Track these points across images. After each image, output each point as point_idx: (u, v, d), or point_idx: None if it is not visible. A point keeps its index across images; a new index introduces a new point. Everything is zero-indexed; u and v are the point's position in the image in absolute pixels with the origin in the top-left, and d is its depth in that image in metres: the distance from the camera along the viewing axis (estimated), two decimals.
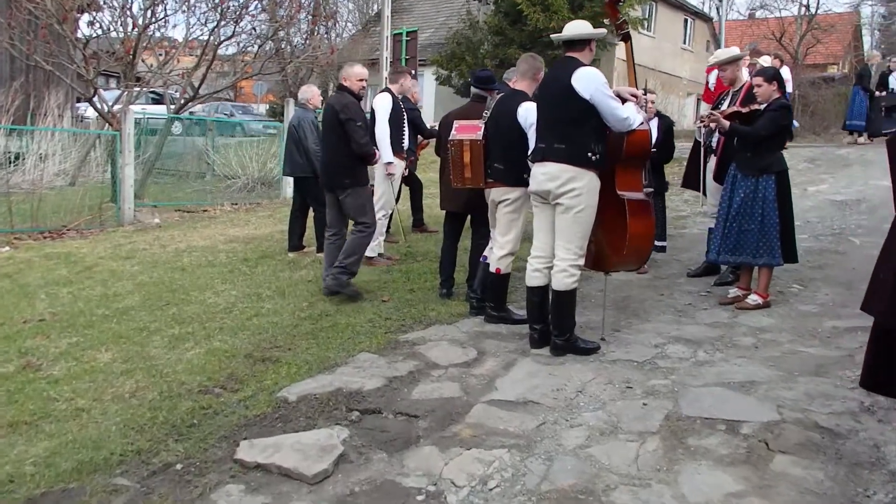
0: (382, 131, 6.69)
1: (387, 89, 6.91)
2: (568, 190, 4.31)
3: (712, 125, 5.59)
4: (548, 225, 4.54)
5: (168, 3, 12.10)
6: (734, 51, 6.17)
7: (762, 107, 5.38)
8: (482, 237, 5.72)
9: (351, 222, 6.00)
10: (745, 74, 6.15)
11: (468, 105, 5.75)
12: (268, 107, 31.14)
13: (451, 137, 5.03)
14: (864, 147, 13.14)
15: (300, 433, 3.55)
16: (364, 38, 27.78)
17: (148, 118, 14.49)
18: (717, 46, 26.74)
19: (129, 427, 3.67)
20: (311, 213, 7.67)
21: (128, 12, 11.45)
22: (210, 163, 14.41)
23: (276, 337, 4.96)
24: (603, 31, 4.50)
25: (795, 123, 5.73)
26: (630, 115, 4.35)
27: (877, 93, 13.33)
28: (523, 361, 4.45)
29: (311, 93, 7.61)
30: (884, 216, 8.24)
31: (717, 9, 25.86)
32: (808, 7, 30.61)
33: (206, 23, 12.17)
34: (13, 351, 4.78)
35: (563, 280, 4.40)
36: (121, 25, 11.82)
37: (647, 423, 3.59)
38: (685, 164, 6.80)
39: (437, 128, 7.84)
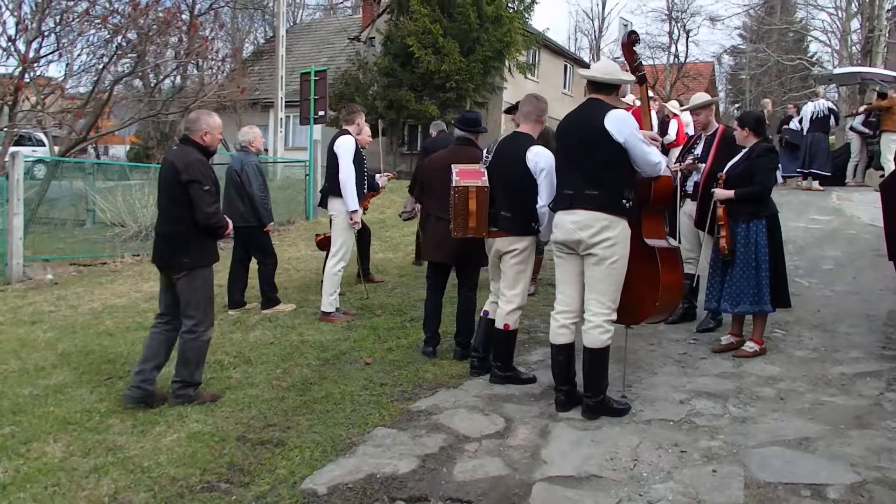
0: (347, 175, 6.12)
1: (345, 131, 6.38)
2: (602, 239, 4.00)
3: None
4: (574, 277, 4.21)
5: (53, 37, 10.80)
6: (706, 96, 6.19)
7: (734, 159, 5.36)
8: (470, 290, 5.33)
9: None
10: (714, 120, 6.19)
11: (454, 148, 5.37)
12: (128, 148, 28.96)
13: (455, 184, 4.61)
14: None
15: None
16: (242, 77, 26.80)
17: None
18: None
19: None
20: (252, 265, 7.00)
21: (12, 48, 10.25)
22: (91, 209, 13.17)
23: (264, 414, 4.29)
24: (632, 77, 4.29)
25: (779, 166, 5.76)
26: (660, 160, 4.13)
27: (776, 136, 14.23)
28: (558, 428, 4.05)
29: (252, 134, 6.94)
30: (814, 256, 8.58)
31: (593, 56, 27.04)
32: (677, 56, 32.88)
33: (100, 57, 11.07)
34: None
35: (597, 336, 4.07)
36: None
37: (729, 494, 3.30)
38: None
39: (379, 180, 7.35)
